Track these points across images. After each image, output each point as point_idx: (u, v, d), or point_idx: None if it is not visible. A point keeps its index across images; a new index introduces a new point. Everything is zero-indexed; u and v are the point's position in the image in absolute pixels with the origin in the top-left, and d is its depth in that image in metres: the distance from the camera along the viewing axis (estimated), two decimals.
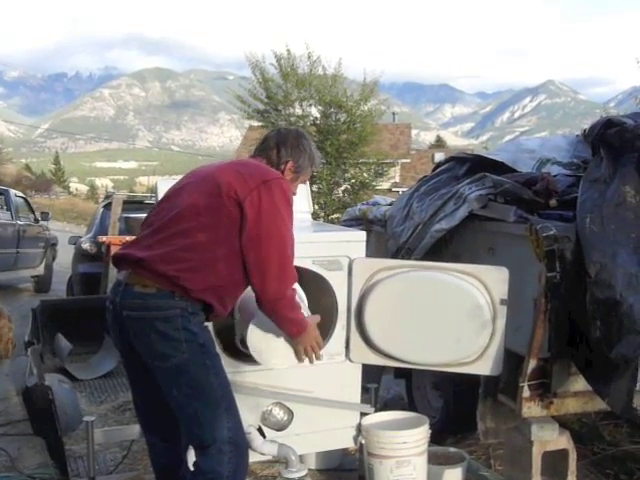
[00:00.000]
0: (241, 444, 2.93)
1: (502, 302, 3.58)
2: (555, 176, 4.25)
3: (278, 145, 3.20)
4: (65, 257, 13.28)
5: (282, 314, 2.94)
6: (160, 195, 4.16)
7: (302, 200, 4.36)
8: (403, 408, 4.59)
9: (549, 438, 3.45)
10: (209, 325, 3.05)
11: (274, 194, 2.88)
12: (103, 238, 8.69)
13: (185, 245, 2.84)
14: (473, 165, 4.78)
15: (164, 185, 4.24)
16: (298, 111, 27.13)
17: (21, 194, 15.20)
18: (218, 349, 3.17)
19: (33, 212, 14.56)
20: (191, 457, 3.09)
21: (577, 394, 3.79)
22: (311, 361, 3.12)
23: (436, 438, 4.10)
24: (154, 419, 3.15)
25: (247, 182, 2.89)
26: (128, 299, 2.88)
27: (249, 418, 3.49)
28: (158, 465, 3.25)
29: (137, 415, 3.28)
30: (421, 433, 3.63)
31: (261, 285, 2.87)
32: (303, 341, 3.04)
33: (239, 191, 2.85)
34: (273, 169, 3.11)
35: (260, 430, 3.55)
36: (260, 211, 2.84)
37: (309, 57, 26.21)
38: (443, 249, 4.46)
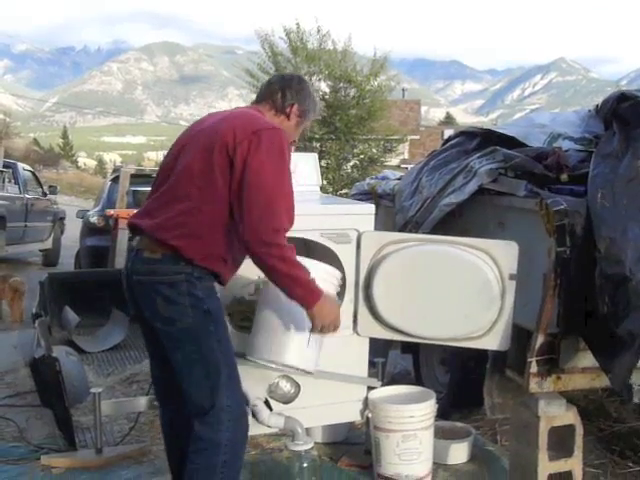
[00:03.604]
0: (239, 413, 2.93)
1: (511, 277, 3.56)
2: (566, 151, 4.20)
3: (283, 89, 3.16)
4: (73, 231, 13.31)
5: (273, 266, 2.78)
6: None
7: (311, 173, 4.34)
8: (410, 383, 4.59)
9: (556, 413, 3.44)
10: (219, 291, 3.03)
11: (262, 143, 2.81)
12: (111, 211, 8.71)
13: (181, 210, 2.85)
14: (483, 140, 4.73)
15: None
16: None
17: (29, 168, 15.23)
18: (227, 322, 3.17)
19: (41, 186, 14.59)
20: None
21: (585, 370, 3.77)
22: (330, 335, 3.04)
23: (443, 413, 4.11)
24: (169, 387, 3.14)
25: (237, 135, 2.83)
26: (137, 264, 2.93)
27: (256, 390, 3.49)
28: (169, 435, 3.27)
29: (153, 383, 3.30)
30: (428, 407, 3.64)
31: (242, 227, 2.78)
32: (319, 313, 2.90)
33: (230, 145, 2.82)
34: (269, 119, 3.05)
35: (267, 403, 3.55)
36: (246, 160, 2.79)
37: (318, 31, 26.04)
38: (452, 223, 4.43)
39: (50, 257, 13.96)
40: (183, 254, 2.80)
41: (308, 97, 3.20)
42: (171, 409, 3.21)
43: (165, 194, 2.94)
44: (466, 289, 3.59)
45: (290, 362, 3.15)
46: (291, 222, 2.86)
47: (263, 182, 2.77)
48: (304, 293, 2.86)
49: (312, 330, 3.00)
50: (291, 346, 3.13)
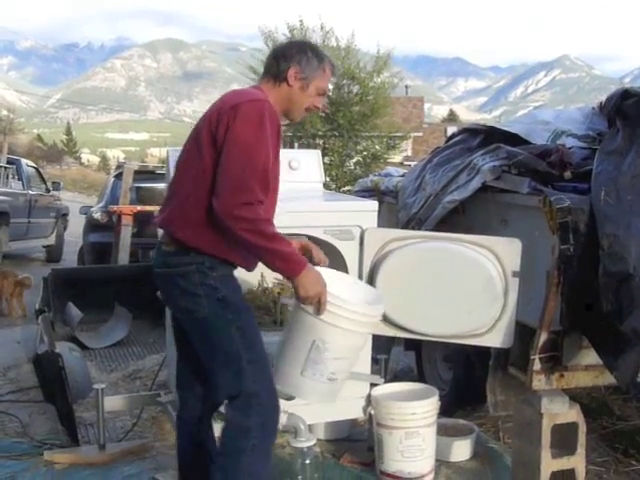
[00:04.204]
0: (267, 399, 2.90)
1: (514, 274, 3.56)
2: (570, 148, 4.20)
3: (276, 57, 3.05)
4: (76, 227, 13.34)
5: (247, 240, 2.70)
6: (172, 164, 4.15)
7: (314, 170, 4.34)
8: (413, 380, 4.59)
9: (559, 411, 3.43)
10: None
11: (239, 114, 2.74)
12: (114, 208, 8.70)
13: (181, 201, 2.88)
14: (487, 137, 4.73)
15: (175, 154, 4.24)
16: None
17: (33, 164, 15.26)
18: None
19: (45, 182, 14.61)
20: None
21: (588, 368, 3.77)
22: (317, 312, 2.85)
23: (446, 410, 4.11)
24: (192, 378, 3.15)
25: (219, 113, 2.81)
26: (157, 258, 2.98)
27: None
28: (183, 430, 3.25)
29: (177, 373, 3.27)
30: (431, 404, 3.64)
31: (214, 201, 2.72)
32: (303, 284, 2.78)
33: (213, 125, 2.80)
34: (260, 93, 2.94)
35: None
36: (225, 135, 2.74)
37: (322, 28, 26.04)
38: (455, 220, 4.43)
39: (53, 253, 13.98)
40: (189, 244, 2.83)
41: (304, 55, 3.01)
42: (191, 404, 3.20)
43: (170, 188, 3.02)
44: (469, 286, 3.59)
45: (278, 386, 3.06)
46: (266, 193, 2.80)
47: (236, 154, 2.73)
48: (284, 266, 2.78)
49: (298, 301, 2.89)
50: (284, 372, 3.06)
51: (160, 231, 3.07)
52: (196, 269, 2.83)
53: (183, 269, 2.85)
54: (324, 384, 3.00)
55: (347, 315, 2.88)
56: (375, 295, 3.30)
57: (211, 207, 2.75)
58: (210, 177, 2.78)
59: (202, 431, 3.20)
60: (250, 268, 3.06)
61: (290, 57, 3.00)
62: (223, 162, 2.74)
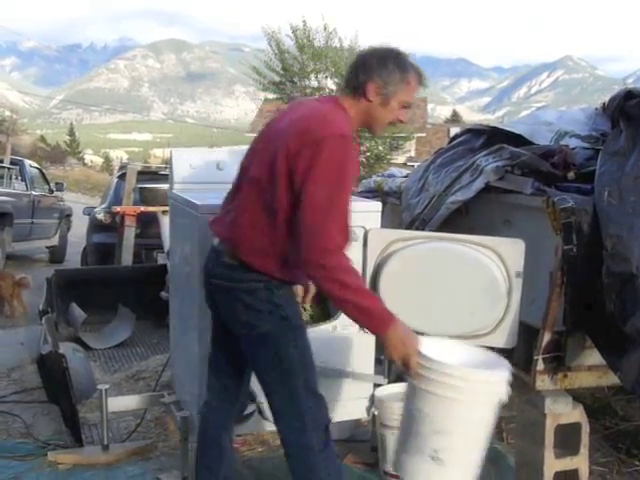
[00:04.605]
0: (320, 415, 2.88)
1: (518, 275, 3.55)
2: (573, 149, 4.19)
3: (356, 68, 2.82)
4: (79, 228, 13.35)
5: (329, 290, 2.61)
6: (176, 165, 4.16)
7: None
8: None
9: (562, 411, 3.43)
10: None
11: (322, 154, 2.56)
12: (117, 208, 8.71)
13: (248, 225, 2.75)
14: (490, 137, 4.72)
15: (179, 155, 4.25)
16: (314, 83, 26.99)
17: (36, 165, 15.28)
18: None
19: (48, 183, 14.63)
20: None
21: (591, 368, 3.77)
22: (410, 375, 2.63)
23: None
24: (225, 386, 3.14)
25: (299, 142, 2.61)
26: (218, 268, 2.85)
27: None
28: (206, 425, 3.20)
29: (208, 377, 3.20)
30: None
31: (296, 246, 2.62)
32: (390, 344, 2.62)
33: (291, 153, 2.62)
34: (342, 116, 2.74)
35: None
36: (305, 173, 2.58)
37: (325, 29, 26.07)
38: (459, 221, 4.43)
39: (56, 254, 13.98)
40: (257, 268, 2.74)
41: (384, 67, 2.77)
42: (218, 412, 3.16)
43: (237, 202, 2.85)
44: (472, 287, 3.58)
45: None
46: (347, 240, 2.66)
47: (316, 200, 2.57)
48: (368, 321, 2.65)
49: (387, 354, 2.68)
50: (398, 441, 2.81)
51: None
52: (264, 286, 2.75)
53: (249, 285, 2.76)
54: (426, 463, 2.59)
55: (443, 380, 2.52)
56: (494, 362, 2.84)
57: (281, 237, 2.69)
58: (282, 210, 2.66)
59: (224, 437, 3.17)
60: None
61: (369, 69, 2.78)
62: (304, 205, 2.57)
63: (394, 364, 2.73)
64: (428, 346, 2.66)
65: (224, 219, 2.89)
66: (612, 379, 3.64)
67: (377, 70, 2.77)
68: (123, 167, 11.30)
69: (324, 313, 3.82)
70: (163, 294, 6.06)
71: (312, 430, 2.82)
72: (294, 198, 2.61)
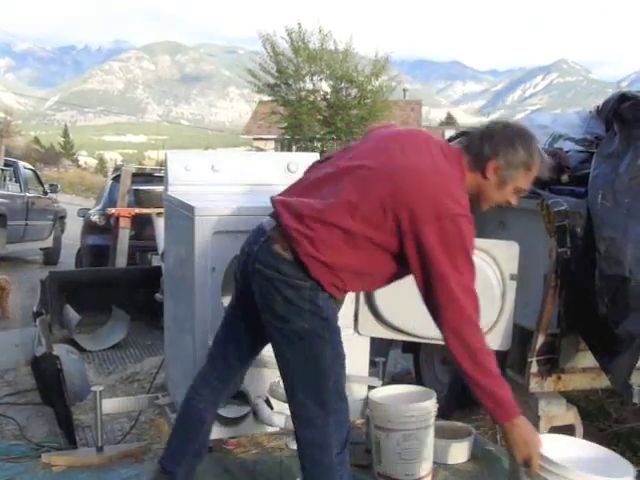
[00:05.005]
0: (345, 417, 2.88)
1: (512, 277, 3.55)
2: (567, 152, 4.22)
3: (483, 138, 2.70)
4: (74, 230, 13.31)
5: (460, 361, 2.65)
6: (170, 166, 4.15)
7: None
8: (411, 383, 4.59)
9: (556, 413, 3.45)
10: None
11: (448, 236, 2.53)
12: (112, 210, 8.69)
13: (325, 238, 2.64)
14: None
15: (174, 157, 4.24)
16: (309, 85, 27.06)
17: (30, 166, 15.25)
18: None
19: (42, 185, 14.61)
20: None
21: (585, 370, 3.78)
22: (526, 473, 2.60)
23: (443, 412, 4.11)
24: (225, 358, 3.10)
25: (421, 210, 2.55)
26: (263, 253, 2.74)
27: (257, 389, 3.50)
28: (194, 396, 3.17)
29: (208, 359, 3.16)
30: (428, 407, 3.63)
31: (438, 321, 2.71)
32: (512, 438, 2.59)
33: (411, 218, 2.55)
34: (461, 187, 2.68)
35: (268, 401, 3.55)
36: (429, 249, 2.54)
37: (320, 32, 26.11)
38: None
39: (51, 256, 13.95)
40: (310, 273, 2.67)
41: (511, 148, 2.66)
42: (210, 388, 3.14)
43: (317, 206, 2.70)
44: None
45: None
46: (478, 313, 2.67)
47: (451, 286, 2.57)
48: (494, 408, 2.64)
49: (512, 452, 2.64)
50: None
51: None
52: (310, 286, 2.68)
53: (296, 282, 2.68)
54: None
55: None
56: (616, 464, 2.74)
57: (354, 266, 2.68)
58: (373, 249, 2.65)
59: (209, 411, 3.16)
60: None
61: (495, 145, 2.67)
62: (435, 289, 2.61)
63: (513, 461, 2.67)
64: (550, 444, 2.66)
65: (293, 206, 2.74)
66: (606, 381, 3.65)
67: (503, 149, 2.67)
68: (117, 169, 11.29)
69: None
70: (157, 296, 6.05)
71: (334, 432, 2.81)
72: (398, 249, 2.63)
